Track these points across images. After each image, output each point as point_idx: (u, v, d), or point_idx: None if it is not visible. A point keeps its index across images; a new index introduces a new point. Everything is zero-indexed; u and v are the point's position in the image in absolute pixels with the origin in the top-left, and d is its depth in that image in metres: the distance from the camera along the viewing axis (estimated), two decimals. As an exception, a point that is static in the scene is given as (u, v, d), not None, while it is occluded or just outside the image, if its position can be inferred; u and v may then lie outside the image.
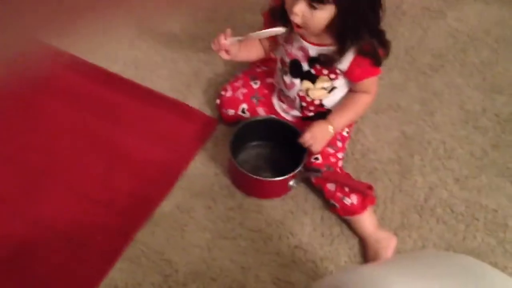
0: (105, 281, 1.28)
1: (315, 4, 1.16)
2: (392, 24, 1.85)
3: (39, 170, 1.46)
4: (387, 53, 1.30)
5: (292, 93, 1.41)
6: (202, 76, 1.68)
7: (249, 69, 1.57)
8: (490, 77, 1.73)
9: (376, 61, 1.29)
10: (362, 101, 1.38)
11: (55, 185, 1.43)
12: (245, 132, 1.43)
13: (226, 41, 1.34)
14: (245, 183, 1.42)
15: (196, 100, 1.62)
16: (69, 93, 1.61)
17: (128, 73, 1.67)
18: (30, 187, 1.43)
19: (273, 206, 1.42)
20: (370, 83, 1.35)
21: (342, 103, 1.39)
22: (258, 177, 1.36)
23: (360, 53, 1.26)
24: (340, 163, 1.41)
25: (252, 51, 1.47)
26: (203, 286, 1.30)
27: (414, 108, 1.64)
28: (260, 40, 1.44)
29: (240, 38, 1.34)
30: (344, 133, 1.45)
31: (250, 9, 1.78)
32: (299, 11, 1.18)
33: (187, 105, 1.60)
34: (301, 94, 1.40)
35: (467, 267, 0.75)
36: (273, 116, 1.47)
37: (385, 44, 1.28)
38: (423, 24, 1.87)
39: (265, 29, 1.32)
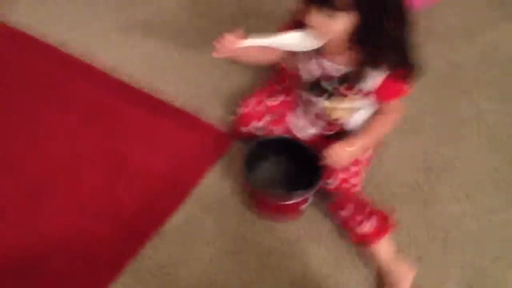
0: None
1: (327, 11, 1.07)
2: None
3: (44, 180, 1.43)
4: (415, 72, 1.20)
5: (313, 112, 1.34)
6: (220, 90, 1.63)
7: (267, 86, 1.50)
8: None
9: (404, 80, 1.20)
10: (389, 120, 1.29)
11: (60, 196, 1.40)
12: (260, 149, 1.37)
13: (240, 44, 1.20)
14: (256, 202, 1.34)
15: (212, 115, 1.57)
16: (82, 103, 1.59)
17: (144, 83, 1.63)
18: (34, 198, 1.39)
19: (285, 226, 1.35)
20: (397, 102, 1.27)
21: (368, 122, 1.30)
22: (268, 198, 1.28)
23: (387, 72, 1.18)
24: (356, 189, 1.32)
25: (264, 55, 1.31)
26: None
27: (441, 132, 1.55)
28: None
29: (259, 41, 1.19)
30: (362, 158, 1.36)
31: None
32: (315, 22, 1.11)
33: (202, 120, 1.55)
34: (323, 113, 1.33)
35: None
36: (288, 136, 1.40)
37: (413, 62, 1.19)
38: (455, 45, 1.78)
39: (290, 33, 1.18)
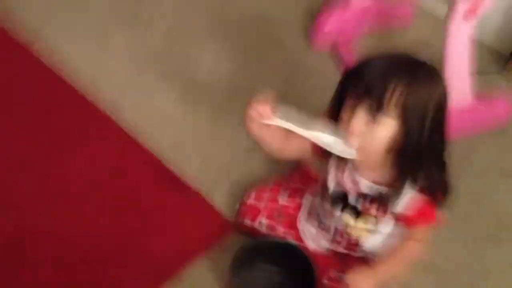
0: None
1: (376, 114, 0.98)
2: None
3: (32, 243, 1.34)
4: (449, 198, 1.10)
5: (329, 224, 1.24)
6: (237, 170, 1.54)
7: (283, 181, 1.40)
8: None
9: (438, 204, 1.10)
10: (412, 250, 1.17)
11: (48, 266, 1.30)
12: (254, 251, 1.26)
13: (270, 120, 1.07)
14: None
15: (220, 198, 1.47)
16: (90, 160, 1.52)
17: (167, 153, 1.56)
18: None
19: None
20: (425, 230, 1.16)
21: (390, 251, 1.18)
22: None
23: (421, 194, 1.08)
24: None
25: (289, 145, 1.18)
26: None
27: (458, 277, 1.40)
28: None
29: (291, 125, 1.06)
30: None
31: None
32: (357, 127, 1.00)
33: (206, 201, 1.45)
34: (340, 228, 1.22)
35: None
36: (289, 241, 1.28)
37: (450, 186, 1.09)
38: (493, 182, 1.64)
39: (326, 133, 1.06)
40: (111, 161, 1.52)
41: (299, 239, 1.31)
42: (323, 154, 1.13)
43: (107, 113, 1.63)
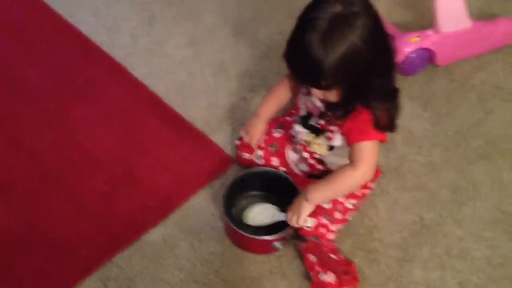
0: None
1: (323, 90, 1.15)
2: (454, 98, 1.72)
3: (56, 169, 1.54)
4: (393, 118, 1.21)
5: (299, 145, 1.39)
6: (237, 112, 1.68)
7: (278, 116, 1.54)
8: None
9: (376, 124, 1.18)
10: (343, 175, 1.25)
11: (63, 188, 1.50)
12: (245, 181, 1.41)
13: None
14: (231, 234, 1.40)
15: (221, 137, 1.62)
16: (111, 106, 1.70)
17: (169, 97, 1.71)
18: (42, 183, 1.51)
19: (255, 261, 1.38)
20: (365, 150, 1.22)
21: (327, 176, 1.29)
22: (240, 231, 1.32)
23: (365, 114, 1.19)
24: (331, 236, 1.33)
25: (281, 100, 1.45)
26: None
27: (443, 194, 1.51)
28: (287, 79, 1.40)
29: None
30: (348, 205, 1.36)
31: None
32: (317, 95, 1.20)
33: (209, 139, 1.60)
34: (304, 144, 1.36)
35: None
36: (270, 169, 1.44)
37: (394, 107, 1.21)
38: (491, 105, 1.71)
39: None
40: (121, 105, 1.69)
41: (287, 166, 1.46)
42: (295, 90, 1.36)
43: (117, 60, 1.81)
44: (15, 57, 1.81)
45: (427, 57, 1.74)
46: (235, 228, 1.32)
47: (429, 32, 1.71)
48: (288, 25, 1.14)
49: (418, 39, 1.70)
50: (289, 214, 1.29)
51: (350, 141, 1.23)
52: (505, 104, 1.72)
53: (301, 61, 1.11)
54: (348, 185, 1.27)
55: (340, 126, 1.25)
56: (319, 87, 1.13)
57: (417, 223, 1.45)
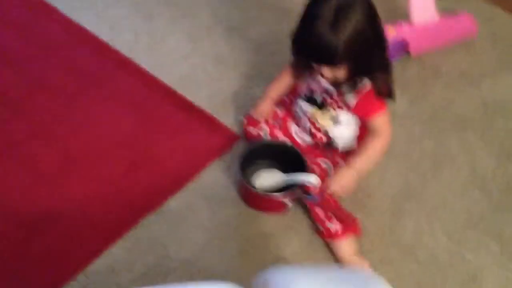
0: (104, 253, 1.47)
1: (333, 67, 1.34)
2: (427, 83, 1.97)
3: (78, 151, 1.68)
4: (391, 87, 1.43)
5: (304, 118, 1.57)
6: (238, 97, 1.87)
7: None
8: (509, 146, 1.79)
9: (382, 96, 1.41)
10: (373, 146, 1.48)
11: (87, 169, 1.65)
12: (256, 151, 1.59)
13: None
14: (246, 195, 1.57)
15: (227, 118, 1.80)
16: (126, 95, 1.85)
17: (176, 86, 1.89)
18: (66, 165, 1.65)
19: (269, 220, 1.56)
20: (381, 123, 1.46)
21: (361, 150, 1.49)
22: (255, 190, 1.51)
23: (368, 89, 1.40)
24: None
25: (286, 84, 1.65)
26: (189, 274, 1.45)
27: (425, 162, 1.74)
28: (290, 67, 1.59)
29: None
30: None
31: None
32: (327, 74, 1.37)
33: (217, 120, 1.79)
34: (311, 120, 1.54)
35: (364, 279, 0.88)
36: (282, 141, 1.63)
37: (392, 82, 1.43)
38: (458, 88, 1.97)
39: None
40: (134, 93, 1.85)
41: (290, 136, 1.65)
42: (297, 76, 1.58)
43: (125, 55, 1.98)
44: (31, 56, 1.95)
45: (402, 47, 1.99)
46: (251, 187, 1.50)
47: (403, 23, 1.96)
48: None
49: (393, 30, 1.94)
50: (331, 181, 1.47)
51: (365, 119, 1.46)
52: (469, 87, 1.98)
53: (316, 49, 1.31)
54: (380, 152, 1.49)
55: (350, 108, 1.45)
56: (332, 65, 1.33)
57: (404, 184, 1.67)
